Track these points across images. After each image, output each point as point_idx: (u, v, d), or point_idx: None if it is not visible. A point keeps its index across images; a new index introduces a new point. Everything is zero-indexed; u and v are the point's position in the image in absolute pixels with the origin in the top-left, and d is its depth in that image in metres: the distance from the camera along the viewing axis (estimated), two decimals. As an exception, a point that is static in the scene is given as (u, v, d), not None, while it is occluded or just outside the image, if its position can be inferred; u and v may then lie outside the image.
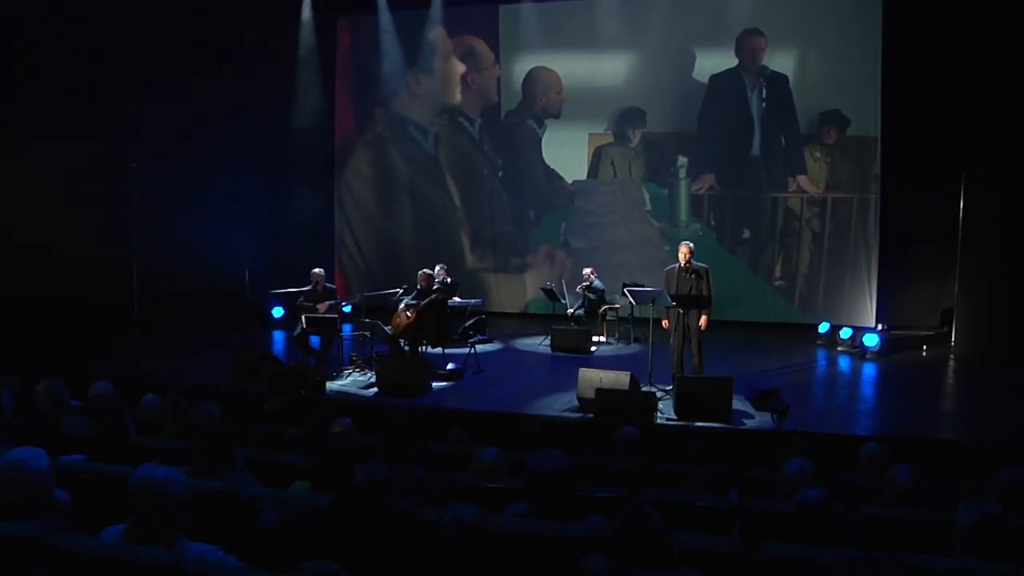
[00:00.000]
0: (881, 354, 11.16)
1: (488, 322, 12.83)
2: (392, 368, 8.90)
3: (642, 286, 9.90)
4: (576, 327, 11.94)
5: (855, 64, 13.04)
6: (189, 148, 12.68)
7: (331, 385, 9.07)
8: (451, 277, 12.23)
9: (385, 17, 14.69)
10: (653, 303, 8.87)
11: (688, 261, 8.92)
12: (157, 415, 5.56)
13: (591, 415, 7.77)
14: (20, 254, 10.91)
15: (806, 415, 7.96)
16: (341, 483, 3.80)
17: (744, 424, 7.66)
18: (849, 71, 13.10)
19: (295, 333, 10.17)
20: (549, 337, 11.76)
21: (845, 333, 11.82)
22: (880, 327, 12.45)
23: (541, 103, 14.69)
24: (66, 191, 11.42)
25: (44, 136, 11.21)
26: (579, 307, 12.47)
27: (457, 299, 12.12)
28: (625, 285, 10.10)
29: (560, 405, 8.37)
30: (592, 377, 8.23)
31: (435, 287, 10.01)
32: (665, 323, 9.17)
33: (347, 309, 13.34)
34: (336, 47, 15.36)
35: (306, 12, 14.49)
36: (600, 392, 7.75)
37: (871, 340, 11.22)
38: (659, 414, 7.89)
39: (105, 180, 11.82)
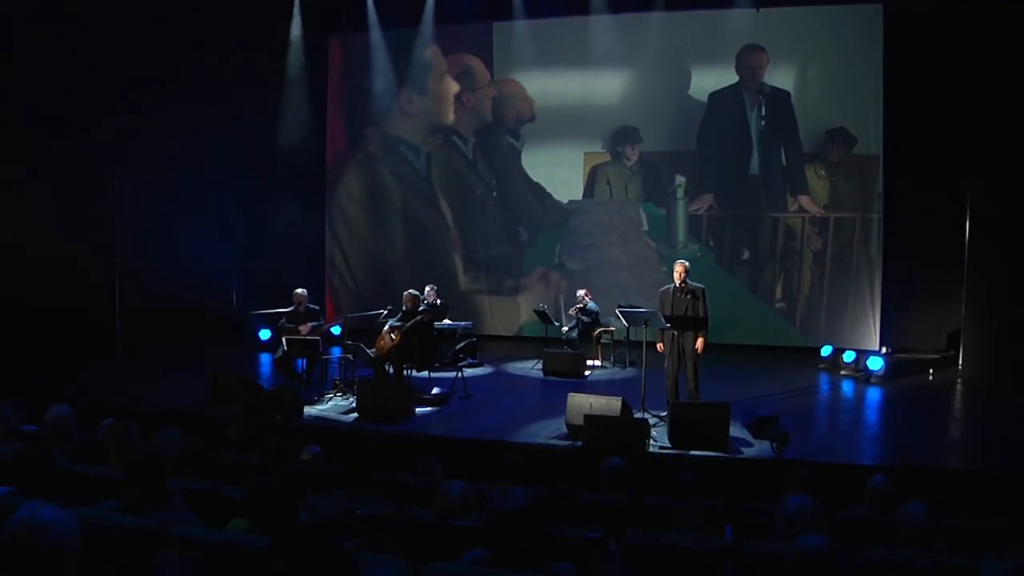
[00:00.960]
0: (886, 378, 10.67)
1: (481, 345, 12.40)
2: (372, 392, 8.44)
3: (638, 308, 9.44)
4: (569, 350, 11.47)
5: (856, 81, 12.70)
6: (176, 166, 12.32)
7: (310, 410, 8.60)
8: (441, 299, 11.86)
9: (377, 35, 14.36)
10: (646, 325, 8.41)
11: (683, 281, 8.48)
12: (106, 441, 5.09)
13: (580, 443, 7.29)
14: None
15: (808, 442, 7.50)
16: (280, 522, 3.34)
17: (742, 453, 7.18)
18: (850, 88, 12.76)
19: (277, 355, 9.72)
20: (541, 361, 11.29)
21: (848, 356, 11.34)
22: (884, 350, 11.96)
23: (512, 115, 14.35)
24: (48, 207, 11.07)
25: (28, 150, 10.88)
26: (573, 327, 12.01)
27: (447, 321, 11.72)
28: (620, 307, 9.66)
29: (548, 432, 7.89)
30: (582, 402, 7.77)
31: (421, 308, 9.55)
32: (660, 346, 8.72)
33: (336, 331, 12.93)
34: (327, 65, 15.03)
35: (296, 30, 14.15)
36: (589, 419, 7.29)
37: (875, 364, 10.74)
38: (652, 442, 7.41)
39: (88, 196, 11.42)
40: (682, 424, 7.36)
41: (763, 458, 6.94)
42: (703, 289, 8.57)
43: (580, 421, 7.43)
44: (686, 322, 8.44)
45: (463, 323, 11.85)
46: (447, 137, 14.67)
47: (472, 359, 11.71)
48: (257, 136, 13.61)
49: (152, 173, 11.93)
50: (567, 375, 10.86)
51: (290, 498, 3.46)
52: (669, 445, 7.34)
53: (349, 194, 15.19)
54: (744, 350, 12.70)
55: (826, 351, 11.82)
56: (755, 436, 7.26)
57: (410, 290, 9.70)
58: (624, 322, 8.76)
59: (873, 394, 10.21)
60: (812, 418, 9.11)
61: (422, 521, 3.87)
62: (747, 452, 7.19)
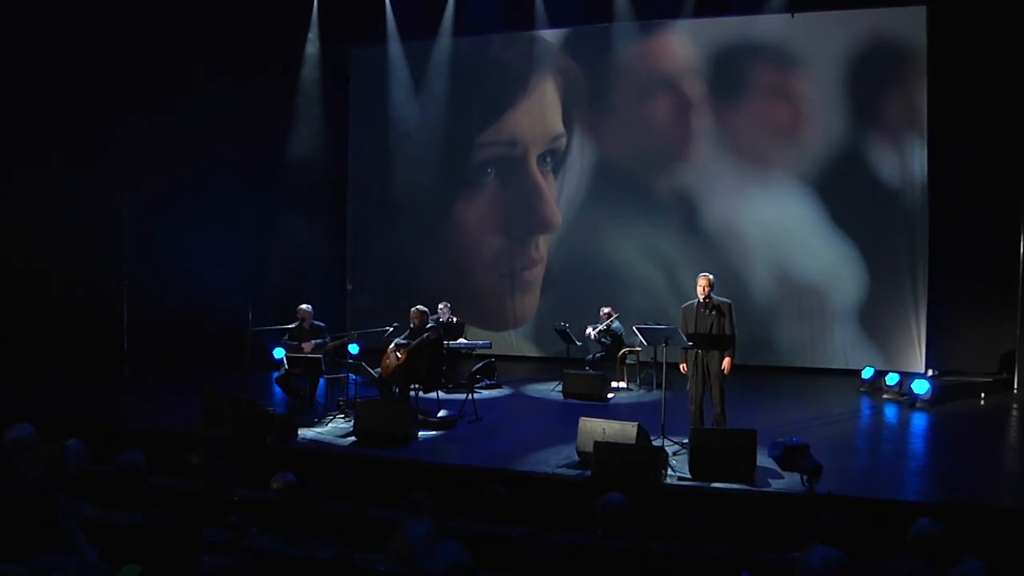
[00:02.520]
0: (933, 403, 9.74)
1: (505, 366, 11.74)
2: (371, 415, 7.78)
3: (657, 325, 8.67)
4: (591, 371, 10.71)
5: (899, 89, 11.83)
6: (189, 183, 11.89)
7: (305, 433, 7.98)
8: (457, 316, 11.23)
9: (397, 48, 13.87)
10: (667, 343, 7.64)
11: (707, 295, 7.71)
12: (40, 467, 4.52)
13: (588, 472, 6.57)
14: (9, 284, 10.20)
15: (844, 475, 6.66)
16: (174, 571, 2.70)
17: (769, 486, 6.36)
18: (893, 96, 11.88)
19: (279, 374, 9.14)
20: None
21: (891, 379, 10.42)
22: (931, 372, 11.07)
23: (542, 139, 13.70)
24: (56, 221, 10.70)
25: (37, 163, 10.54)
26: (599, 345, 11.24)
27: (463, 340, 11.07)
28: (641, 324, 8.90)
29: (559, 460, 7.16)
30: (594, 428, 7.04)
31: (429, 325, 8.90)
32: (683, 367, 7.94)
33: (354, 350, 12.35)
34: (348, 79, 14.55)
35: (311, 46, 13.62)
36: (600, 446, 6.55)
37: (921, 387, 9.82)
38: (671, 472, 6.66)
39: (96, 210, 11.03)
40: (704, 453, 6.59)
41: (792, 492, 6.13)
42: (729, 304, 7.79)
43: (592, 448, 6.71)
44: (711, 340, 7.67)
45: (480, 342, 11.19)
46: (475, 150, 14.05)
47: (490, 380, 11.03)
48: (274, 152, 13.19)
49: (163, 190, 11.54)
50: (588, 398, 10.12)
51: (188, 540, 2.81)
52: (689, 476, 6.58)
53: (371, 209, 14.63)
54: (779, 372, 11.88)
55: (867, 373, 10.93)
56: (783, 468, 6.46)
57: (418, 306, 9.07)
58: (643, 340, 7.99)
59: (918, 420, 9.28)
60: (850, 447, 8.21)
61: (359, 567, 3.19)
62: (775, 485, 6.36)
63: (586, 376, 10.46)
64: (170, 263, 11.56)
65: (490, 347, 11.43)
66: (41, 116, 10.53)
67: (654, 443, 7.20)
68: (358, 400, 8.55)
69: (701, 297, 7.73)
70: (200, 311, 11.77)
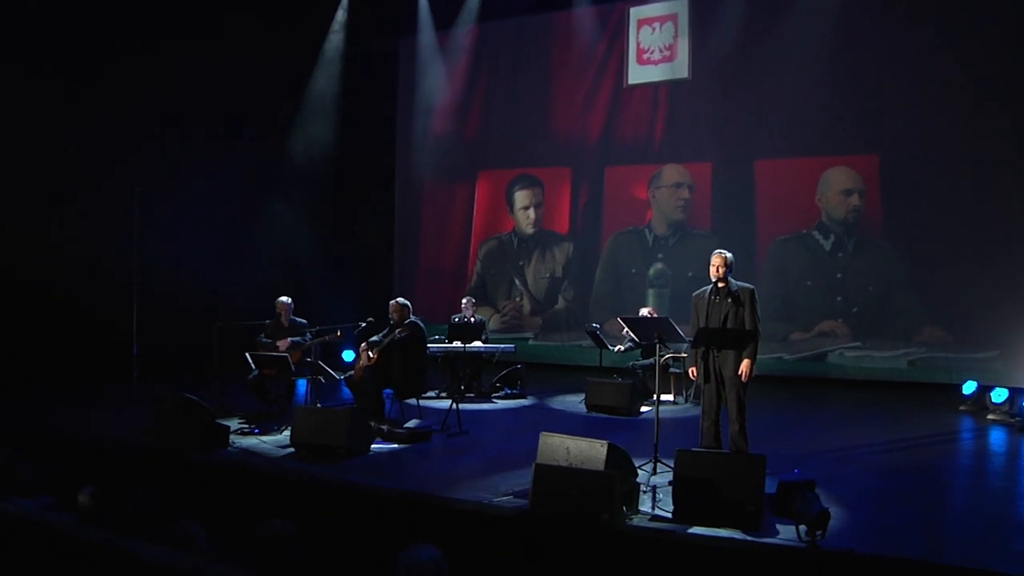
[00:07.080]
0: (1054, 427, 7.20)
1: (543, 374, 10.13)
2: (307, 423, 6.16)
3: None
4: (620, 380, 8.67)
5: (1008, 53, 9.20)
6: (212, 174, 10.74)
7: (242, 442, 6.46)
8: (476, 316, 9.53)
9: (430, 38, 12.41)
10: (660, 340, 5.63)
11: (722, 277, 5.65)
12: None
13: (526, 505, 4.67)
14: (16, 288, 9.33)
15: (911, 523, 4.47)
16: None
17: (777, 534, 4.24)
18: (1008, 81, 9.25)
19: (249, 376, 7.65)
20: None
21: (998, 395, 7.92)
22: (1054, 389, 8.37)
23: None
24: (67, 215, 9.78)
25: (49, 159, 9.67)
26: (631, 350, 9.19)
27: (478, 344, 9.30)
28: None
29: (513, 486, 5.26)
30: (555, 446, 5.15)
31: (408, 321, 7.20)
32: (692, 371, 5.90)
33: (349, 357, 10.84)
34: (399, 72, 13.15)
35: (337, 37, 12.35)
36: (542, 470, 4.64)
37: (1036, 407, 7.28)
38: (657, 508, 4.67)
39: (110, 205, 10.03)
40: (690, 485, 4.56)
41: (794, 546, 3.99)
42: (751, 290, 5.69)
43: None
44: (725, 337, 5.58)
45: (502, 346, 9.40)
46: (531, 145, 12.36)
47: (511, 389, 9.27)
48: (314, 145, 11.98)
49: (179, 182, 10.44)
50: (613, 411, 8.17)
51: None
52: (670, 516, 4.56)
53: (419, 204, 13.13)
54: (862, 386, 9.45)
55: (969, 388, 8.39)
56: (775, 512, 4.32)
57: (398, 299, 7.39)
58: (633, 336, 5.99)
59: (1032, 449, 6.78)
60: (931, 483, 5.72)
61: None
62: (786, 535, 4.23)
63: (613, 386, 8.43)
64: (186, 263, 10.38)
65: (513, 351, 9.57)
66: (53, 118, 9.65)
67: (641, 468, 5.25)
68: (317, 405, 6.97)
69: (715, 279, 5.68)
70: (230, 314, 10.53)
